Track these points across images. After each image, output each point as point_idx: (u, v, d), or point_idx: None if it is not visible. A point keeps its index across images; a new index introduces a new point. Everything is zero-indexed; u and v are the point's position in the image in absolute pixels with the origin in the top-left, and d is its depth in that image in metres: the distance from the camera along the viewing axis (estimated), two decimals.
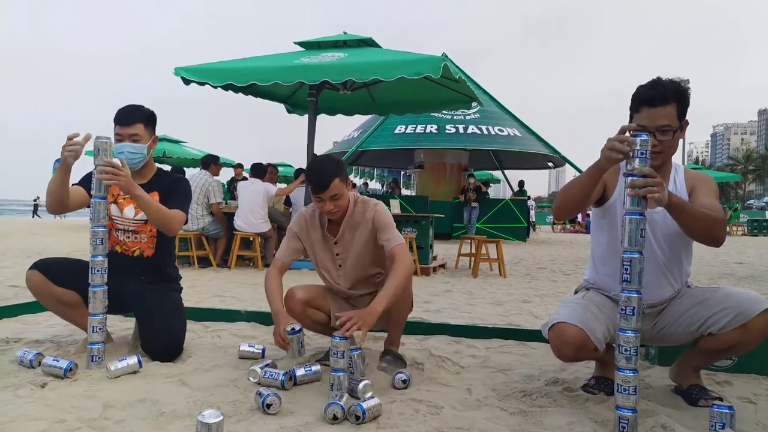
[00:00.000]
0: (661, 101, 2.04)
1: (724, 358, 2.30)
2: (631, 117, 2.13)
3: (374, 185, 27.79)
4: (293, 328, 2.33)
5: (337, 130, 19.36)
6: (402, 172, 23.40)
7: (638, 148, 1.89)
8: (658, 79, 2.11)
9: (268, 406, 1.93)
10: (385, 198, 14.83)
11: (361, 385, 2.13)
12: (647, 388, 2.36)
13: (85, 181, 2.63)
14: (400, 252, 2.44)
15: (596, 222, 2.32)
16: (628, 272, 1.91)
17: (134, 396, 2.06)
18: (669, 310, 2.21)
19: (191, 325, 3.33)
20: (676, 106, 2.05)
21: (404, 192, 24.11)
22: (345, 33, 8.08)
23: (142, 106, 2.70)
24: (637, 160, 1.90)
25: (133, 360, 2.34)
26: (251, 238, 6.95)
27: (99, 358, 2.39)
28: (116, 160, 2.40)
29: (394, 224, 2.59)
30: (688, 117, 2.13)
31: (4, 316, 3.48)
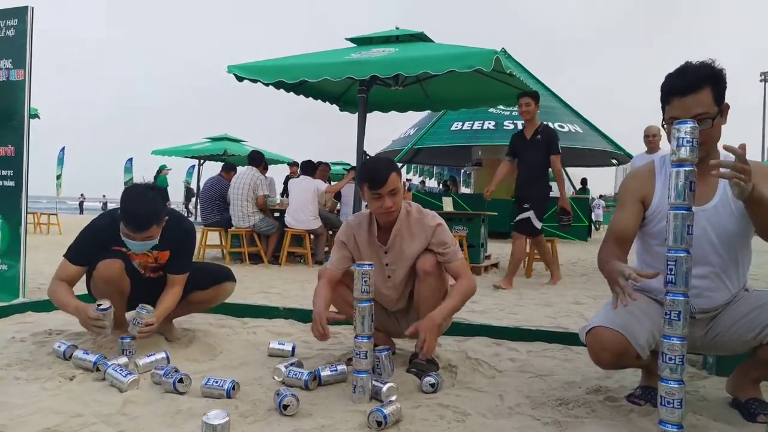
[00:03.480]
0: (692, 88, 1.84)
1: None
2: (664, 109, 1.93)
3: (432, 183, 27.66)
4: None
5: (393, 129, 19.32)
6: (461, 170, 23.12)
7: (683, 135, 1.72)
8: (687, 64, 1.91)
9: (285, 407, 1.88)
10: (439, 196, 14.71)
11: (385, 388, 2.05)
12: (701, 401, 2.15)
13: (84, 258, 2.61)
14: (464, 270, 2.44)
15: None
16: (672, 272, 1.74)
17: (156, 392, 2.06)
18: (723, 316, 2.00)
19: (228, 321, 3.36)
20: (711, 91, 1.85)
21: (464, 190, 23.85)
22: (397, 28, 8.00)
23: (155, 201, 2.52)
24: (683, 149, 1.73)
25: (161, 355, 2.35)
26: (302, 236, 6.99)
27: (130, 352, 2.41)
28: (148, 320, 2.47)
29: (456, 242, 2.50)
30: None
31: (53, 309, 3.60)
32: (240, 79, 6.77)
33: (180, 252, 2.73)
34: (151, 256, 2.69)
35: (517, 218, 5.68)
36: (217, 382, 2.03)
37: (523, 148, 5.75)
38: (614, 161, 18.39)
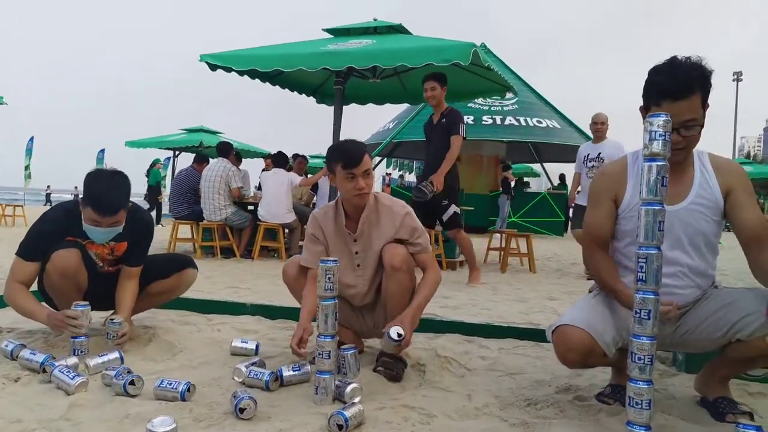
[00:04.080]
0: (686, 92, 1.78)
1: (756, 368, 2.03)
2: (648, 109, 1.85)
3: (411, 178, 27.62)
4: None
5: (372, 122, 19.21)
6: None
7: (656, 129, 1.66)
8: (676, 61, 1.82)
9: (242, 410, 1.78)
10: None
11: (348, 389, 1.98)
12: (670, 399, 2.11)
13: (38, 253, 2.48)
14: (431, 262, 2.42)
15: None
16: (643, 270, 1.68)
17: (106, 395, 1.95)
18: (692, 314, 1.95)
19: (192, 317, 3.24)
20: (700, 96, 1.79)
21: None
22: (375, 20, 7.90)
23: (122, 185, 2.45)
24: (655, 143, 1.67)
25: (114, 355, 2.24)
26: (276, 230, 6.87)
27: (81, 352, 2.29)
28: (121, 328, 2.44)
29: (425, 230, 2.46)
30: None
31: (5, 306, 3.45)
32: (213, 68, 6.62)
33: (138, 243, 2.64)
34: (108, 247, 2.57)
35: (444, 219, 5.27)
36: (171, 384, 1.93)
37: (430, 134, 5.46)
38: None
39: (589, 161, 6.07)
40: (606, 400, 2.04)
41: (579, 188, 6.32)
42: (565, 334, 1.87)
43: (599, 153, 5.97)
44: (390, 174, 31.04)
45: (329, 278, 2.00)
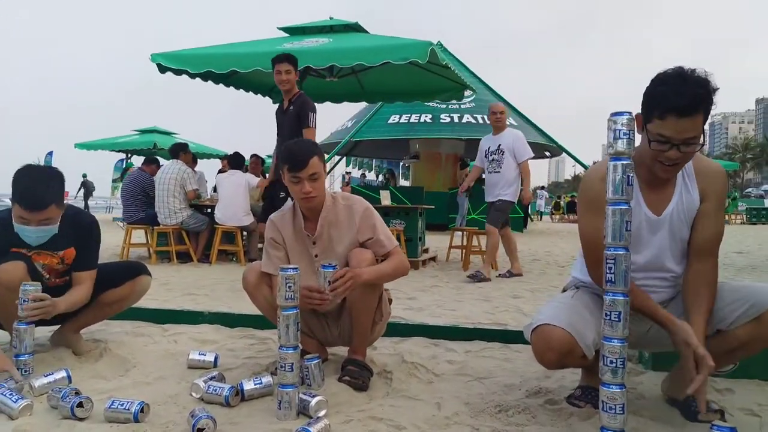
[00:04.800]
0: (692, 111, 1.70)
1: (732, 362, 2.04)
2: (649, 120, 1.77)
3: (372, 176, 27.56)
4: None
5: (331, 120, 19.07)
6: (399, 163, 23.12)
7: (620, 128, 1.63)
8: (684, 75, 1.73)
9: (200, 430, 1.68)
10: (378, 189, 14.59)
11: (314, 402, 1.89)
12: (639, 399, 2.11)
13: None
14: (398, 251, 2.35)
15: None
16: (612, 271, 1.66)
17: (53, 418, 1.81)
18: (668, 310, 1.95)
19: (146, 328, 3.09)
20: (703, 114, 1.73)
21: (402, 183, 23.86)
22: (331, 18, 7.80)
23: (53, 179, 2.29)
24: (620, 142, 1.65)
25: (61, 374, 2.09)
26: (233, 232, 6.69)
27: (26, 371, 2.14)
28: (37, 295, 2.18)
29: (384, 225, 2.39)
30: None
31: None
32: (163, 70, 6.38)
33: (85, 246, 2.49)
34: (57, 257, 2.42)
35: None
36: (123, 405, 1.81)
37: (281, 122, 4.89)
38: (547, 153, 18.85)
39: (491, 154, 5.77)
40: (577, 403, 2.02)
41: (473, 182, 6.44)
42: (546, 334, 1.84)
43: (499, 145, 5.68)
44: (350, 173, 30.94)
45: (290, 287, 1.91)
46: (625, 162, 1.66)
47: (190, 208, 6.66)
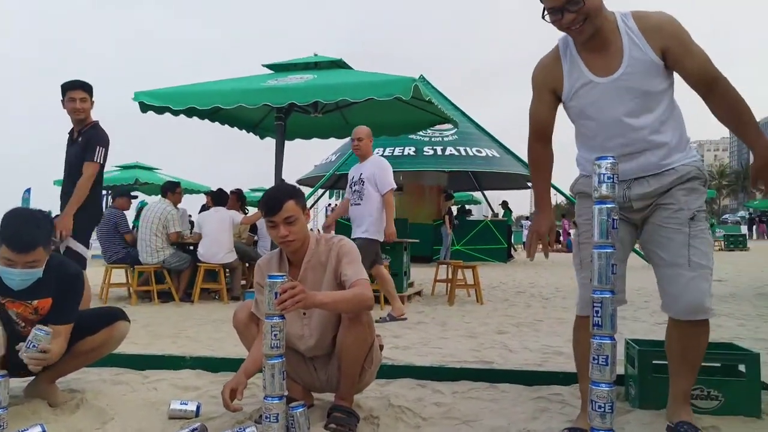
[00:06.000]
0: None
1: (692, 358, 2.07)
2: (541, 1, 1.93)
3: None
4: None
5: (318, 154, 19.14)
6: None
7: (604, 172, 1.66)
8: None
9: None
10: None
11: None
12: None
13: None
14: (363, 283, 2.22)
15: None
16: (599, 314, 1.66)
17: None
18: (653, 227, 2.05)
19: (125, 375, 3.01)
20: None
21: None
22: (316, 54, 7.89)
23: (41, 221, 2.28)
24: (604, 186, 1.67)
25: (35, 430, 2.02)
26: (216, 270, 6.61)
27: (1, 426, 2.06)
28: (43, 343, 2.18)
29: (360, 259, 2.34)
30: None
31: None
32: (145, 109, 6.37)
33: (65, 299, 2.42)
34: (30, 306, 2.36)
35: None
36: None
37: (68, 153, 4.25)
38: (529, 184, 19.03)
39: (354, 184, 5.23)
40: None
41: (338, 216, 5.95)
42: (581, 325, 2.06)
43: (361, 174, 5.16)
44: (334, 205, 30.97)
45: (275, 335, 1.88)
46: (609, 206, 1.68)
47: (173, 246, 6.58)
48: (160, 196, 6.82)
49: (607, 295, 1.65)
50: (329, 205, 31.16)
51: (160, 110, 6.49)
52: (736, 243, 22.03)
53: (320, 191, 19.52)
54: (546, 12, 1.91)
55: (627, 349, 2.74)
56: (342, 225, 14.03)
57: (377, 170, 5.11)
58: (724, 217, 60.18)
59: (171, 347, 3.92)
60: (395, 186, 5.16)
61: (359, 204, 5.12)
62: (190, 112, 6.96)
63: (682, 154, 2.01)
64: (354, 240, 4.84)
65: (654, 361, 2.57)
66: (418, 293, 7.25)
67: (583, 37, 1.94)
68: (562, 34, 2.03)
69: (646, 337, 4.27)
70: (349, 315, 2.21)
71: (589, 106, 2.01)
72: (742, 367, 2.53)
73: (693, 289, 1.93)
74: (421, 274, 9.13)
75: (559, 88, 2.06)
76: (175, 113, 6.75)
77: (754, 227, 35.66)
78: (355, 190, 5.20)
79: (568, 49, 2.04)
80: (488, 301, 6.71)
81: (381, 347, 2.51)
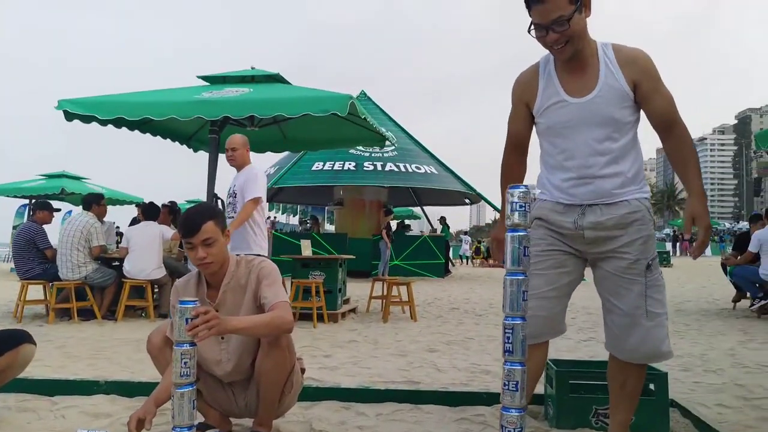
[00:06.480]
0: None
1: (630, 397, 2.14)
2: (529, 16, 1.96)
3: (295, 221, 27.34)
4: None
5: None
6: (324, 208, 23.09)
7: (516, 200, 1.69)
8: None
9: None
10: (298, 237, 14.46)
11: None
12: None
13: None
14: (282, 305, 2.15)
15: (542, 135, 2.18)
16: (510, 341, 1.67)
17: None
18: (606, 269, 2.08)
19: (33, 402, 2.84)
20: None
21: (328, 228, 23.77)
22: (253, 68, 7.80)
23: None
24: (516, 214, 1.70)
25: None
26: (143, 286, 6.36)
27: None
28: None
29: (280, 281, 2.30)
30: None
31: None
32: (70, 117, 6.10)
33: None
34: None
35: None
36: None
37: None
38: (467, 200, 19.43)
39: (228, 197, 4.92)
40: None
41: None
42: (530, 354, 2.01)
43: (234, 185, 4.85)
44: (273, 218, 30.56)
45: (185, 363, 1.81)
46: (521, 234, 1.70)
47: (96, 261, 6.29)
48: (81, 208, 6.50)
49: (518, 322, 1.66)
50: (268, 218, 30.66)
51: (86, 119, 6.23)
52: (660, 260, 23.01)
53: None
54: (532, 27, 1.95)
55: (546, 370, 2.80)
56: (277, 238, 13.86)
57: (247, 181, 4.72)
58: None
59: (86, 370, 3.73)
60: (261, 196, 4.72)
61: (232, 217, 4.71)
62: (118, 123, 6.71)
63: (636, 187, 2.07)
64: None
65: (571, 381, 2.65)
66: (353, 310, 7.21)
67: (563, 57, 1.99)
68: (544, 52, 2.07)
69: (572, 353, 4.44)
70: (267, 339, 2.17)
71: (557, 124, 2.05)
72: (653, 386, 2.64)
73: (653, 338, 2.01)
74: (358, 290, 9.11)
75: (532, 103, 2.11)
76: (103, 123, 6.50)
77: (678, 244, 37.58)
78: (229, 203, 4.88)
79: (548, 66, 2.09)
80: (422, 317, 6.75)
81: (303, 370, 2.48)
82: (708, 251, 36.80)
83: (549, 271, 2.06)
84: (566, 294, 2.10)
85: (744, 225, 40.68)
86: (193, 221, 2.15)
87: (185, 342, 1.82)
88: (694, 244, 2.04)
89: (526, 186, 1.73)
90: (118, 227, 8.78)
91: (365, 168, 15.23)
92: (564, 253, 2.08)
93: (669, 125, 2.05)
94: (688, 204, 2.02)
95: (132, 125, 6.97)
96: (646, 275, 2.03)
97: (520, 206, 1.70)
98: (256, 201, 4.68)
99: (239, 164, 4.88)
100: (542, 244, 2.08)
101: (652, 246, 2.07)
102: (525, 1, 1.94)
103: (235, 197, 4.77)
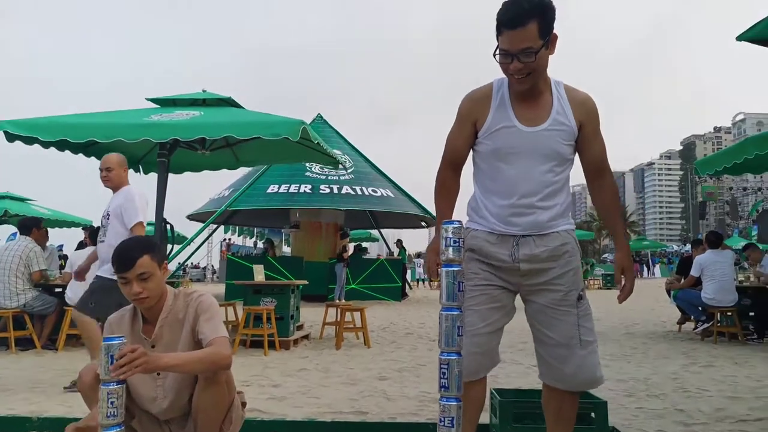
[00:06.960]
0: (520, 22, 1.89)
1: (566, 422, 2.16)
2: (497, 39, 1.97)
3: (250, 243, 26.99)
4: None
5: (214, 187, 18.55)
6: (281, 230, 22.88)
7: (450, 236, 1.71)
8: None
9: None
10: (255, 259, 14.26)
11: None
12: None
13: None
14: (220, 341, 2.10)
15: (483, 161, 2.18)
16: (445, 377, 1.69)
17: None
18: (543, 300, 2.11)
19: None
20: (537, 24, 1.90)
21: (285, 250, 23.52)
22: (204, 91, 7.72)
23: None
24: (450, 250, 1.72)
25: None
26: None
27: None
28: None
29: (219, 315, 2.24)
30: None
31: None
32: (11, 138, 5.89)
33: None
34: None
35: None
36: None
37: None
38: (423, 224, 19.56)
39: (101, 219, 4.41)
40: None
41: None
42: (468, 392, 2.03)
43: (109, 208, 4.35)
44: (229, 239, 30.10)
45: (112, 402, 1.74)
46: (456, 269, 1.72)
47: (36, 288, 6.04)
48: (18, 233, 6.26)
49: (454, 357, 1.68)
50: (224, 240, 30.24)
51: (28, 141, 6.02)
52: (613, 282, 23.48)
53: (213, 226, 18.90)
54: (498, 52, 1.96)
55: (491, 399, 2.82)
56: (231, 262, 13.60)
57: (124, 201, 4.25)
58: (603, 256, 64.59)
59: (20, 405, 3.56)
60: (143, 219, 4.30)
61: (102, 241, 4.27)
62: (61, 145, 6.51)
63: (564, 219, 2.13)
64: (94, 279, 4.33)
65: (515, 411, 2.67)
66: (306, 336, 7.12)
67: (521, 87, 2.02)
68: (501, 76, 2.09)
69: (523, 379, 4.48)
70: (204, 375, 2.11)
71: (505, 148, 2.06)
72: (594, 414, 2.68)
73: (587, 366, 2.05)
74: (312, 315, 9.01)
75: (481, 122, 2.10)
76: (45, 145, 6.28)
77: None
78: (101, 225, 4.42)
79: (501, 90, 2.10)
80: (376, 343, 6.72)
81: (243, 404, 2.42)
82: (657, 272, 38.00)
83: (482, 306, 2.08)
84: (500, 329, 2.13)
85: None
86: (127, 255, 2.09)
87: (111, 381, 1.76)
88: (621, 291, 2.14)
89: (459, 221, 1.76)
90: (62, 251, 8.46)
91: (321, 191, 15.18)
92: (497, 288, 2.10)
93: (601, 171, 2.17)
94: (618, 258, 2.14)
95: (76, 148, 6.77)
96: (577, 306, 2.08)
97: (454, 242, 1.72)
98: (143, 225, 4.27)
99: (115, 185, 4.41)
100: (475, 279, 2.10)
101: (580, 277, 2.14)
102: (497, 26, 1.95)
103: (109, 219, 4.28)
